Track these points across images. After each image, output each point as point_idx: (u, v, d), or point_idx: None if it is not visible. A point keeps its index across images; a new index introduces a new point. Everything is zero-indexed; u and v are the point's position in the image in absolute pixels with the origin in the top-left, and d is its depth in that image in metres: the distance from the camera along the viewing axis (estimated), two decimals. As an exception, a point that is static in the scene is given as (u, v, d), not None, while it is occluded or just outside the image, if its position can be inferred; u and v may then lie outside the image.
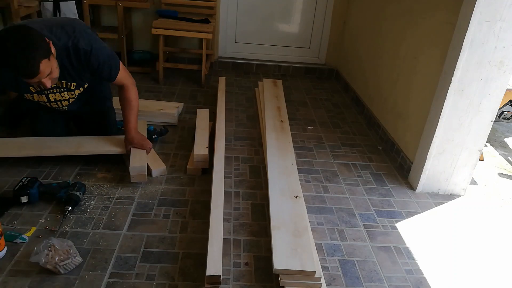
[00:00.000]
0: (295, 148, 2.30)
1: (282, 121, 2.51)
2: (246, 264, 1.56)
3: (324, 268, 1.57)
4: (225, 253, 1.58)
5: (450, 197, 2.15)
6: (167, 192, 1.94)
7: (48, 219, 1.68)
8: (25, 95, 1.87)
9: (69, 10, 3.05)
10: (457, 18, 1.87)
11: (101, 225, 1.68)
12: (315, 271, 1.41)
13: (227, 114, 2.73)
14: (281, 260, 1.43)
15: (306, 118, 2.90)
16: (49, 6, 3.00)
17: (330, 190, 2.08)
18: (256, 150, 2.39)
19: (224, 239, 1.61)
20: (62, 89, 1.89)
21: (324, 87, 3.57)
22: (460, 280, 1.60)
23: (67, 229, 1.64)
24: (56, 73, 1.64)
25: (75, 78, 1.85)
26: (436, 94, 2.02)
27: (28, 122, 2.26)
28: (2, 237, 1.47)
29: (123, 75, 1.96)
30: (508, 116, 2.51)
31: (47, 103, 1.94)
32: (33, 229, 1.62)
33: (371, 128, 2.81)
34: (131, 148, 2.03)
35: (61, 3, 3.01)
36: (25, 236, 1.57)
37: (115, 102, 2.31)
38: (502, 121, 2.58)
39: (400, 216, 1.94)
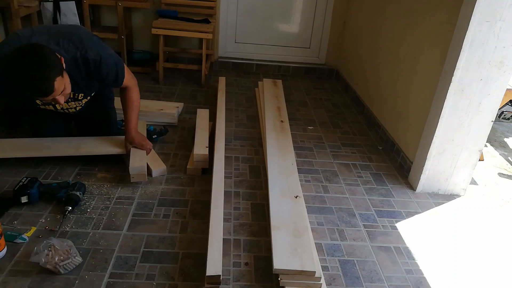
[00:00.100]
0: (295, 148, 2.30)
1: (282, 121, 2.51)
2: (246, 264, 1.56)
3: (324, 268, 1.58)
4: (225, 253, 1.58)
5: (450, 197, 2.15)
6: (167, 192, 1.94)
7: (48, 219, 1.68)
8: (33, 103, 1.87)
9: (69, 10, 3.05)
10: (457, 18, 1.87)
11: (101, 225, 1.68)
12: (315, 271, 1.41)
13: (227, 114, 2.73)
14: (281, 260, 1.43)
15: (306, 118, 2.90)
16: (49, 6, 3.00)
17: (330, 190, 2.08)
18: (256, 150, 2.39)
19: (224, 239, 1.61)
20: (70, 100, 1.90)
21: (324, 87, 3.57)
22: (460, 280, 1.60)
23: (67, 229, 1.64)
24: (69, 89, 1.65)
25: (83, 89, 1.86)
26: (436, 94, 2.02)
27: (27, 121, 2.26)
28: (2, 237, 1.47)
29: (127, 78, 1.97)
30: (508, 116, 2.51)
31: (55, 109, 1.96)
32: (33, 229, 1.62)
33: (371, 128, 2.81)
34: (131, 148, 2.03)
35: (61, 3, 3.01)
36: (25, 236, 1.57)
37: (116, 102, 2.32)
38: (502, 121, 2.58)
39: (400, 216, 1.94)
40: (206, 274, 1.40)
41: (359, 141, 2.63)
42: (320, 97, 3.33)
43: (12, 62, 1.47)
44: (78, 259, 1.45)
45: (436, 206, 2.06)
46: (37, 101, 1.84)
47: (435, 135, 2.01)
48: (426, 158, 2.07)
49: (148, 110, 2.56)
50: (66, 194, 1.74)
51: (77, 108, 2.00)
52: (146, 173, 1.97)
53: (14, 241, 1.54)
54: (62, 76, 1.56)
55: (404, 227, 1.86)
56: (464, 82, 1.90)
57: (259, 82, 3.19)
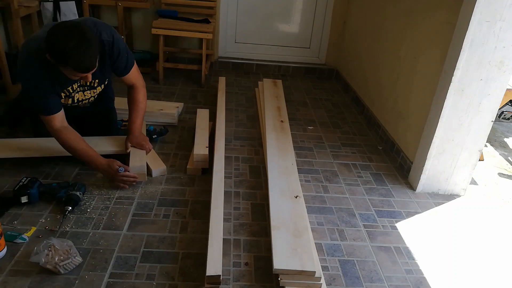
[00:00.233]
0: (295, 148, 2.30)
1: (282, 121, 2.51)
2: (246, 264, 1.56)
3: (324, 268, 1.58)
4: (225, 253, 1.58)
5: (450, 197, 2.15)
6: (167, 192, 1.94)
7: (48, 219, 1.68)
8: None
9: (69, 10, 3.05)
10: (457, 18, 1.87)
11: (101, 225, 1.68)
12: (315, 271, 1.41)
13: (227, 114, 2.73)
14: (281, 260, 1.43)
15: (306, 118, 2.90)
16: (49, 6, 3.00)
17: (330, 190, 2.08)
18: (256, 150, 2.39)
19: (224, 239, 1.61)
20: (86, 88, 1.94)
21: (324, 87, 3.57)
22: (460, 280, 1.60)
23: (67, 229, 1.64)
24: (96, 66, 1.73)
25: (98, 74, 1.88)
26: (436, 94, 2.02)
27: (28, 122, 2.26)
28: (2, 237, 1.47)
29: (136, 74, 2.02)
30: (508, 116, 2.51)
31: (69, 105, 1.96)
32: (33, 229, 1.62)
33: (371, 128, 2.81)
34: (131, 148, 2.03)
35: (61, 3, 3.01)
36: (25, 236, 1.57)
37: (116, 102, 2.32)
38: (502, 121, 2.58)
39: (400, 216, 1.94)
40: (206, 274, 1.40)
41: (359, 141, 2.63)
42: (320, 97, 3.33)
43: (60, 42, 1.54)
44: (78, 259, 1.45)
45: (436, 206, 2.06)
46: (62, 94, 1.86)
47: (435, 135, 2.01)
48: (426, 158, 2.07)
49: (148, 110, 2.55)
50: (66, 194, 1.74)
51: (91, 100, 2.03)
52: (146, 173, 1.97)
53: (14, 241, 1.54)
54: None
55: (404, 227, 1.86)
56: (464, 82, 1.90)
57: (259, 82, 3.19)
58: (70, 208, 1.71)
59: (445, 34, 1.99)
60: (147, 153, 2.06)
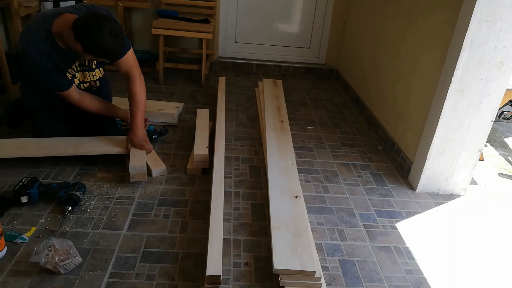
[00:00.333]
0: (295, 148, 2.30)
1: (282, 121, 2.51)
2: (246, 264, 1.56)
3: (324, 268, 1.58)
4: (225, 253, 1.58)
5: (450, 197, 2.15)
6: (167, 192, 1.94)
7: (48, 219, 1.68)
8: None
9: (69, 10, 3.05)
10: (457, 18, 1.87)
11: (101, 225, 1.68)
12: (315, 271, 1.41)
13: (227, 114, 2.73)
14: (281, 260, 1.43)
15: (306, 118, 2.90)
16: (49, 6, 3.00)
17: (330, 190, 2.08)
18: (256, 150, 2.39)
19: (224, 239, 1.61)
20: (85, 68, 2.02)
21: (324, 87, 3.57)
22: (460, 280, 1.60)
23: (67, 229, 1.64)
24: None
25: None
26: (436, 94, 2.02)
27: (28, 122, 2.26)
28: (2, 237, 1.47)
29: (131, 61, 2.03)
30: (508, 116, 2.51)
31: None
32: (33, 229, 1.62)
33: (371, 128, 2.81)
34: (131, 148, 2.03)
35: (61, 3, 3.01)
36: (25, 236, 1.57)
37: (116, 102, 2.32)
38: (502, 121, 2.58)
39: (400, 216, 1.94)
40: (206, 274, 1.40)
41: (359, 141, 2.63)
42: (320, 97, 3.33)
43: (95, 34, 1.69)
44: (78, 259, 1.45)
45: (436, 206, 2.06)
46: (68, 75, 1.96)
47: (435, 135, 2.01)
48: (426, 158, 2.07)
49: (148, 110, 2.55)
50: (66, 194, 1.74)
51: (91, 84, 2.11)
52: (146, 173, 1.97)
53: (14, 241, 1.54)
54: None
55: (404, 227, 1.86)
56: (464, 82, 1.90)
57: (259, 82, 3.19)
58: (70, 208, 1.71)
59: (445, 34, 1.99)
60: (147, 153, 2.06)
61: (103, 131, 2.17)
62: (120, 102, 2.54)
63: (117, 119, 2.30)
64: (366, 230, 1.81)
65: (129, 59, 2.01)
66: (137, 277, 1.45)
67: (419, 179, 2.12)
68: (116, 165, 2.09)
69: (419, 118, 2.19)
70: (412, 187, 2.17)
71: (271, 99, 2.82)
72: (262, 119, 2.67)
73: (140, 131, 2.04)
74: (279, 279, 1.41)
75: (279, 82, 3.15)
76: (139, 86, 2.03)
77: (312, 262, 1.44)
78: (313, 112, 3.02)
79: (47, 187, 1.78)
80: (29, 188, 1.72)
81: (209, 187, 1.93)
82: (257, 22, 3.71)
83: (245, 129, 2.64)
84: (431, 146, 2.04)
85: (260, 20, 3.71)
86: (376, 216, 1.92)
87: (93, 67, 2.07)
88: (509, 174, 2.49)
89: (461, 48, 1.83)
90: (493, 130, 2.86)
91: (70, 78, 1.97)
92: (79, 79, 2.04)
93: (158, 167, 2.05)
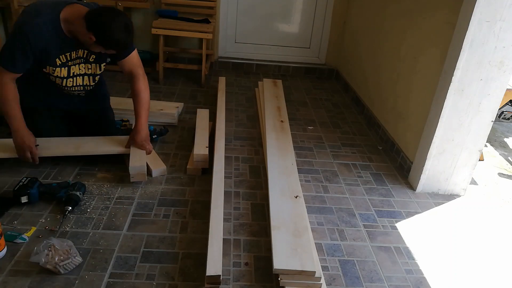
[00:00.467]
0: (295, 148, 2.30)
1: (282, 121, 2.51)
2: (246, 264, 1.56)
3: (324, 268, 1.57)
4: (225, 253, 1.58)
5: (450, 197, 2.15)
6: (167, 192, 1.94)
7: (48, 219, 1.68)
8: (46, 68, 1.88)
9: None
10: (457, 18, 1.87)
11: (101, 225, 1.68)
12: (315, 271, 1.41)
13: (227, 114, 2.73)
14: (281, 260, 1.43)
15: (306, 118, 2.90)
16: (49, 6, 3.00)
17: (330, 190, 2.08)
18: (256, 150, 2.39)
19: (224, 239, 1.61)
20: (82, 60, 1.96)
21: (324, 87, 3.57)
22: (460, 280, 1.60)
23: (67, 229, 1.64)
24: None
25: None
26: (436, 94, 2.02)
27: (28, 122, 2.25)
28: (2, 237, 1.47)
29: (136, 61, 2.03)
30: (508, 116, 2.51)
31: (62, 83, 1.95)
32: (33, 229, 1.62)
33: (371, 128, 2.81)
34: (131, 148, 2.03)
35: (61, 3, 3.01)
36: (25, 236, 1.57)
37: (114, 103, 2.32)
38: (502, 121, 2.58)
39: (400, 216, 1.94)
40: (206, 274, 1.40)
41: (359, 141, 2.63)
42: (320, 97, 3.33)
43: (110, 25, 1.74)
44: (78, 259, 1.45)
45: (436, 206, 2.06)
46: (57, 60, 1.88)
47: (435, 135, 2.01)
48: (426, 158, 2.07)
49: (148, 110, 2.56)
50: (66, 194, 1.74)
51: (85, 80, 2.01)
52: (146, 173, 1.97)
53: (14, 241, 1.54)
54: None
55: (404, 227, 1.86)
56: (464, 82, 1.90)
57: (259, 82, 3.19)
58: (70, 208, 1.71)
59: (445, 34, 1.99)
60: (147, 153, 2.05)
61: (103, 129, 2.17)
62: (119, 102, 2.54)
63: (117, 119, 2.31)
64: (366, 230, 1.81)
65: (135, 58, 2.03)
66: (137, 277, 1.45)
67: (419, 179, 2.12)
68: (116, 165, 2.09)
69: (419, 118, 2.19)
70: (412, 187, 2.17)
71: (271, 99, 2.82)
72: (262, 119, 2.67)
73: (144, 130, 2.03)
74: (279, 279, 1.41)
75: (279, 82, 3.15)
76: (144, 85, 2.03)
77: (312, 262, 1.44)
78: (313, 112, 3.02)
79: (47, 187, 1.78)
80: (29, 188, 1.72)
81: (209, 187, 1.93)
82: (257, 22, 3.71)
83: (245, 129, 2.64)
84: (431, 146, 2.04)
85: (260, 20, 3.71)
86: (376, 216, 1.92)
87: (91, 60, 1.99)
88: (509, 174, 2.49)
89: (461, 48, 1.83)
90: (493, 130, 2.86)
91: (58, 64, 1.89)
92: (74, 72, 1.96)
93: (158, 167, 2.05)
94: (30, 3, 2.84)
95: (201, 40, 3.22)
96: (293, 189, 1.86)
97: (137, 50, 3.49)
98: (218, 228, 1.61)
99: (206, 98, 3.06)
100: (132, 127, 2.08)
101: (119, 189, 1.92)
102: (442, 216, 1.98)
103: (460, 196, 2.17)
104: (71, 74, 1.96)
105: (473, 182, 2.30)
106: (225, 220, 1.76)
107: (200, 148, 2.15)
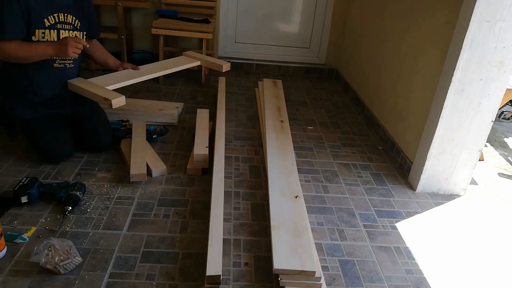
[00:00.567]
0: (295, 148, 2.30)
1: (282, 121, 2.51)
2: (246, 264, 1.56)
3: (324, 268, 1.58)
4: (225, 253, 1.58)
5: (450, 197, 2.15)
6: (167, 192, 1.94)
7: (48, 219, 1.68)
8: (36, 31, 1.85)
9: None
10: (457, 18, 1.87)
11: (101, 225, 1.68)
12: (315, 271, 1.41)
13: (227, 114, 2.73)
14: (281, 260, 1.43)
15: (306, 118, 2.90)
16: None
17: (330, 190, 2.08)
18: (256, 150, 2.39)
19: (224, 239, 1.61)
20: (71, 26, 1.98)
21: (324, 87, 3.57)
22: (460, 280, 1.60)
23: (67, 229, 1.64)
24: None
25: (78, 12, 2.00)
26: (436, 94, 2.02)
27: (25, 136, 2.11)
28: (2, 237, 1.47)
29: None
30: (508, 116, 2.51)
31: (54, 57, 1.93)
32: (33, 229, 1.62)
33: (371, 128, 2.81)
34: (131, 148, 2.04)
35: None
36: (25, 236, 1.57)
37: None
38: (502, 121, 2.58)
39: (400, 216, 1.94)
40: (206, 274, 1.40)
41: (359, 141, 2.63)
42: (320, 97, 3.33)
43: None
44: (78, 259, 1.45)
45: (436, 206, 2.06)
46: (45, 21, 1.87)
47: (435, 135, 2.01)
48: (426, 158, 2.07)
49: (148, 110, 2.56)
50: (66, 194, 1.74)
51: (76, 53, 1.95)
52: (146, 173, 1.97)
53: (14, 241, 1.54)
54: None
55: (404, 227, 1.86)
56: (464, 82, 1.90)
57: (259, 82, 3.19)
58: (70, 208, 1.71)
59: (445, 34, 1.99)
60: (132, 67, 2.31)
61: (99, 127, 2.16)
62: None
63: (118, 120, 2.31)
64: (366, 230, 1.81)
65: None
66: (137, 277, 1.45)
67: (419, 179, 2.12)
68: (116, 165, 2.09)
69: (419, 118, 2.19)
70: (412, 187, 2.17)
71: (271, 99, 2.82)
72: (262, 119, 2.67)
73: (118, 61, 2.31)
74: (279, 279, 1.41)
75: (279, 82, 3.15)
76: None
77: (312, 262, 1.44)
78: (313, 112, 3.02)
79: (47, 187, 1.78)
80: (29, 188, 1.72)
81: (209, 187, 1.93)
82: (257, 22, 3.71)
83: (245, 129, 2.64)
84: (431, 146, 2.04)
85: (260, 20, 3.71)
86: (376, 216, 1.92)
87: (78, 27, 2.00)
88: (509, 174, 2.49)
89: (461, 48, 1.83)
90: (493, 130, 2.86)
91: (47, 26, 1.87)
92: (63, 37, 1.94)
93: (158, 167, 2.05)
94: None
95: (201, 40, 3.22)
96: (293, 189, 1.86)
97: (137, 50, 3.56)
98: (218, 228, 1.61)
99: (206, 98, 3.06)
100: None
101: (119, 189, 1.92)
102: (442, 216, 1.98)
103: (460, 196, 2.17)
104: (61, 37, 1.93)
105: (473, 182, 2.30)
106: (225, 220, 1.76)
107: (200, 148, 2.15)
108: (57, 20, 1.91)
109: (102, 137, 2.16)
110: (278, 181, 1.91)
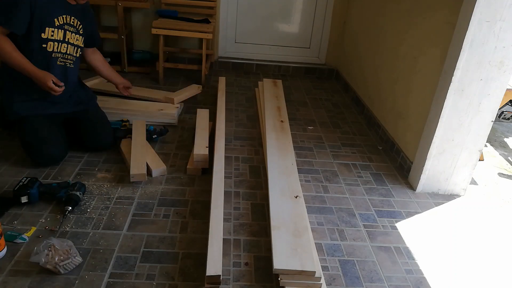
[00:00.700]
0: (295, 148, 2.30)
1: (282, 121, 2.51)
2: (246, 264, 1.56)
3: (324, 268, 1.58)
4: (225, 253, 1.58)
5: (450, 197, 2.15)
6: (167, 192, 1.94)
7: (48, 219, 1.68)
8: (46, 29, 1.92)
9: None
10: (457, 18, 1.87)
11: (101, 225, 1.68)
12: (315, 271, 1.41)
13: (227, 114, 2.73)
14: (281, 260, 1.43)
15: (306, 118, 2.90)
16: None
17: (330, 190, 2.08)
18: (256, 150, 2.39)
19: (224, 239, 1.61)
20: (74, 29, 2.05)
21: (324, 87, 3.57)
22: (460, 280, 1.60)
23: (67, 229, 1.64)
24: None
25: (80, 17, 2.07)
26: (436, 94, 2.02)
27: (26, 131, 2.06)
28: (2, 237, 1.47)
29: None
30: (508, 116, 2.51)
31: (57, 48, 1.98)
32: (33, 229, 1.62)
33: (371, 128, 2.81)
34: (131, 148, 2.04)
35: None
36: (25, 236, 1.57)
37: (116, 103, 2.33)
38: (502, 121, 2.58)
39: (400, 216, 1.94)
40: (206, 274, 1.40)
41: (359, 141, 2.63)
42: (320, 97, 3.33)
43: None
44: (78, 259, 1.45)
45: (436, 206, 2.06)
46: (56, 20, 1.95)
47: (435, 135, 2.01)
48: (426, 158, 2.07)
49: (148, 110, 2.56)
50: (66, 194, 1.74)
51: (75, 50, 2.09)
52: (146, 173, 1.97)
53: (14, 241, 1.54)
54: None
55: (404, 227, 1.86)
56: (464, 82, 1.90)
57: (259, 82, 3.19)
58: (70, 208, 1.71)
59: (445, 34, 1.99)
60: (126, 93, 2.45)
61: (99, 127, 2.17)
62: (119, 102, 2.55)
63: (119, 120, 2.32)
64: (366, 230, 1.81)
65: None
66: (137, 277, 1.45)
67: (419, 179, 2.12)
68: (116, 165, 2.09)
69: (419, 118, 2.19)
70: (412, 187, 2.17)
71: (271, 99, 2.82)
72: (262, 119, 2.67)
73: (119, 78, 2.44)
74: (279, 279, 1.41)
75: (279, 82, 3.15)
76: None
77: (312, 262, 1.44)
78: (313, 112, 3.02)
79: (47, 187, 1.78)
80: (29, 188, 1.72)
81: (209, 187, 1.93)
82: (257, 22, 3.71)
83: (245, 129, 2.64)
84: (431, 146, 2.04)
85: (260, 20, 3.71)
86: (376, 216, 1.92)
87: (80, 31, 2.09)
88: (509, 174, 2.49)
89: (461, 48, 1.83)
90: (493, 130, 2.86)
91: (57, 25, 1.96)
92: (68, 38, 2.02)
93: (158, 167, 2.05)
94: None
95: (201, 40, 3.22)
96: (293, 189, 1.86)
97: (137, 50, 3.56)
98: (218, 228, 1.61)
99: (206, 98, 3.06)
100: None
101: (119, 189, 1.92)
102: (442, 216, 1.98)
103: (460, 196, 2.17)
104: (66, 40, 2.02)
105: (473, 182, 2.30)
106: (225, 220, 1.76)
107: (200, 148, 2.15)
108: (65, 21, 1.99)
109: (102, 137, 2.16)
110: (278, 181, 1.91)
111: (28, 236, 1.57)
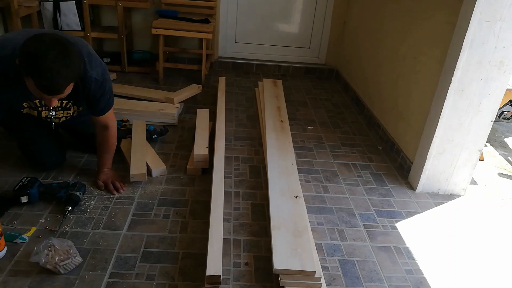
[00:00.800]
0: (295, 148, 2.30)
1: (282, 121, 2.51)
2: (246, 264, 1.56)
3: (324, 268, 1.57)
4: (225, 253, 1.58)
5: (450, 197, 2.15)
6: (167, 192, 1.94)
7: (48, 219, 1.68)
8: (20, 110, 1.75)
9: (69, 10, 3.05)
10: (457, 18, 1.87)
11: (101, 225, 1.68)
12: (315, 271, 1.41)
13: (227, 114, 2.73)
14: (281, 260, 1.43)
15: (306, 118, 2.90)
16: (49, 6, 3.00)
17: (330, 190, 2.08)
18: (256, 150, 2.39)
19: (224, 239, 1.61)
20: (59, 108, 1.80)
21: (324, 87, 3.57)
22: (460, 280, 1.60)
23: (67, 229, 1.64)
24: (65, 95, 1.51)
25: (74, 98, 1.77)
26: (436, 94, 2.02)
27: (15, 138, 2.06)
28: (2, 237, 1.47)
29: (112, 114, 1.85)
30: (508, 116, 2.51)
31: (45, 115, 1.81)
32: (33, 229, 1.62)
33: (371, 128, 2.81)
34: (132, 148, 2.04)
35: (61, 3, 3.01)
36: (25, 236, 1.57)
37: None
38: (502, 121, 2.58)
39: (400, 216, 1.94)
40: (206, 274, 1.40)
41: (359, 141, 2.63)
42: (320, 97, 3.33)
43: (37, 48, 1.36)
44: (78, 259, 1.45)
45: (436, 206, 2.06)
46: (25, 104, 1.73)
47: (435, 135, 2.01)
48: (426, 158, 2.07)
49: (148, 110, 2.56)
50: (66, 194, 1.74)
51: (61, 120, 1.86)
52: (146, 173, 1.97)
53: (14, 241, 1.54)
54: (73, 83, 1.48)
55: (404, 227, 1.86)
56: (464, 82, 1.90)
57: (259, 82, 3.19)
58: (70, 208, 1.71)
59: (445, 34, 1.99)
60: (112, 193, 1.88)
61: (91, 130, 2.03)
62: (119, 102, 2.55)
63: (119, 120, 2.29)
64: (366, 230, 1.81)
65: (111, 113, 1.84)
66: (137, 277, 1.45)
67: (419, 179, 2.12)
68: (116, 165, 2.08)
69: (419, 118, 2.19)
70: (412, 187, 2.17)
71: (271, 99, 2.82)
72: (262, 119, 2.67)
73: (108, 169, 1.93)
74: (279, 279, 1.41)
75: (279, 82, 3.15)
76: (115, 134, 1.91)
77: (312, 262, 1.44)
78: (313, 112, 3.02)
79: (47, 187, 1.78)
80: (29, 188, 1.72)
81: (209, 187, 1.93)
82: (257, 22, 3.71)
83: (245, 129, 2.64)
84: (431, 146, 2.04)
85: (260, 20, 3.70)
86: (376, 216, 1.92)
87: (68, 107, 1.80)
88: (509, 174, 2.49)
89: (461, 48, 1.83)
90: (493, 130, 2.86)
91: (26, 106, 1.73)
92: (45, 116, 1.80)
93: (158, 167, 2.05)
94: (29, 3, 2.85)
95: (201, 40, 3.21)
96: (293, 189, 1.86)
97: (137, 50, 3.56)
98: (218, 228, 1.61)
99: (206, 98, 3.06)
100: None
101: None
102: (442, 216, 1.98)
103: (460, 196, 2.17)
104: (43, 117, 1.80)
105: (473, 182, 2.30)
106: (225, 220, 1.76)
107: (200, 148, 2.15)
108: (37, 105, 1.75)
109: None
110: (278, 181, 1.91)
111: (28, 236, 1.57)
